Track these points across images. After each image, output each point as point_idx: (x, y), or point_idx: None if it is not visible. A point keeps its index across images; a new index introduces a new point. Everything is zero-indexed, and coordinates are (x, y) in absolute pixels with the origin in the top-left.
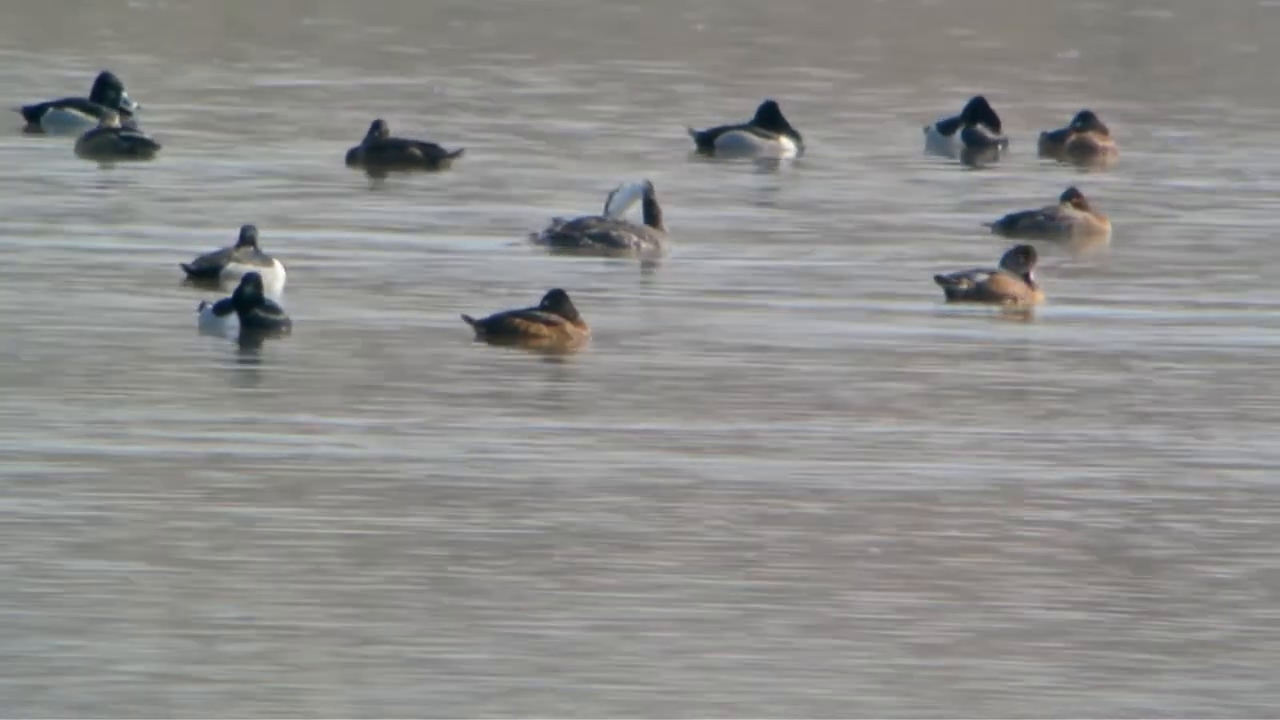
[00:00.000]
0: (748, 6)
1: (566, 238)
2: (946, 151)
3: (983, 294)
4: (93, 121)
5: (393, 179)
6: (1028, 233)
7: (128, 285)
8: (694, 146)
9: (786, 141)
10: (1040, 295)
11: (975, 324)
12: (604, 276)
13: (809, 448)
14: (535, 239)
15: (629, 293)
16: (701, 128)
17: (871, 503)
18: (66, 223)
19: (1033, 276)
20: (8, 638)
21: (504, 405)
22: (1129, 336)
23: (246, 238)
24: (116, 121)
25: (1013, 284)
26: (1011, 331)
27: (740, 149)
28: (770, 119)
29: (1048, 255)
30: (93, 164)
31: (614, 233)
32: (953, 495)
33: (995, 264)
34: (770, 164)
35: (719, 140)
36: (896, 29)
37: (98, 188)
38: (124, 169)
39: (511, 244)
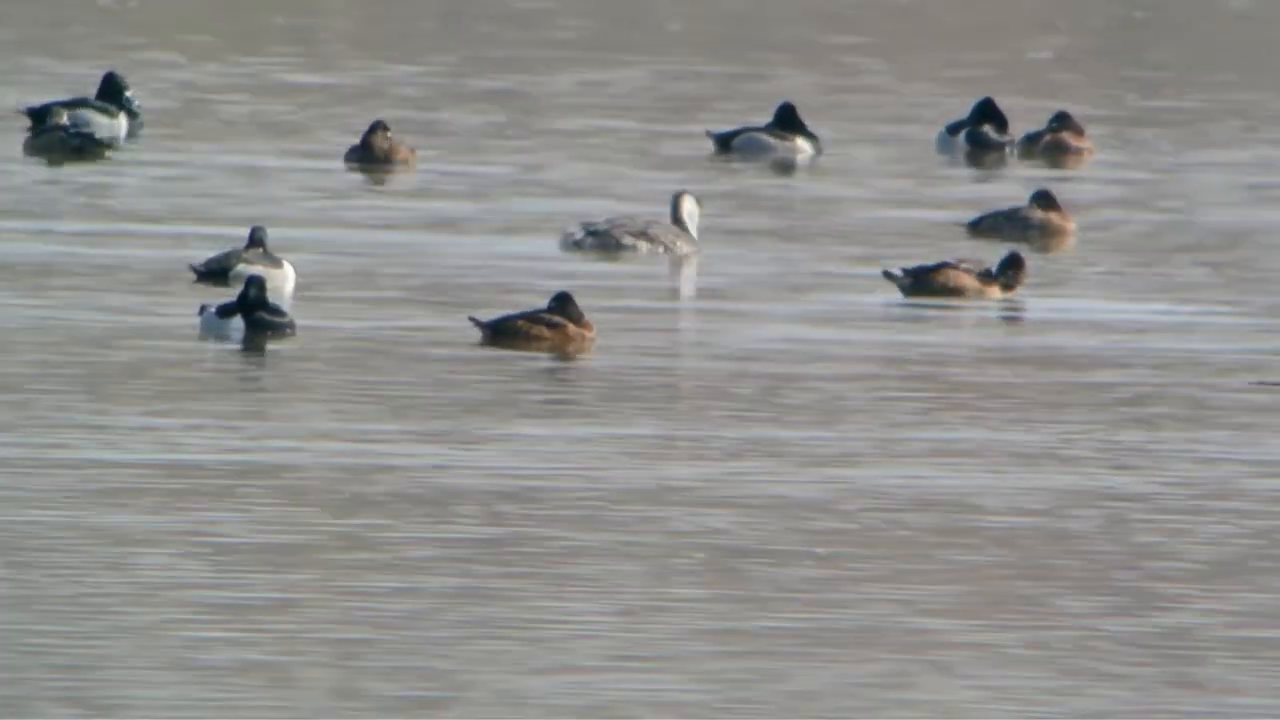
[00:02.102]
0: (719, 7)
1: (605, 237)
2: (952, 153)
3: (931, 288)
4: (104, 122)
5: (385, 178)
6: (991, 232)
7: (127, 286)
8: (713, 148)
9: (803, 143)
10: (995, 290)
11: (925, 325)
12: (627, 276)
13: (780, 454)
14: (571, 240)
15: (649, 293)
16: (719, 129)
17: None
18: (49, 223)
19: (992, 272)
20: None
21: (495, 409)
22: (1074, 338)
23: (256, 239)
24: (65, 119)
25: (960, 277)
26: (952, 332)
27: (757, 150)
28: (788, 120)
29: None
30: (43, 163)
31: (651, 230)
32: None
33: (951, 258)
34: (785, 165)
35: (736, 142)
36: (873, 28)
37: (79, 188)
38: (119, 167)
39: (573, 240)
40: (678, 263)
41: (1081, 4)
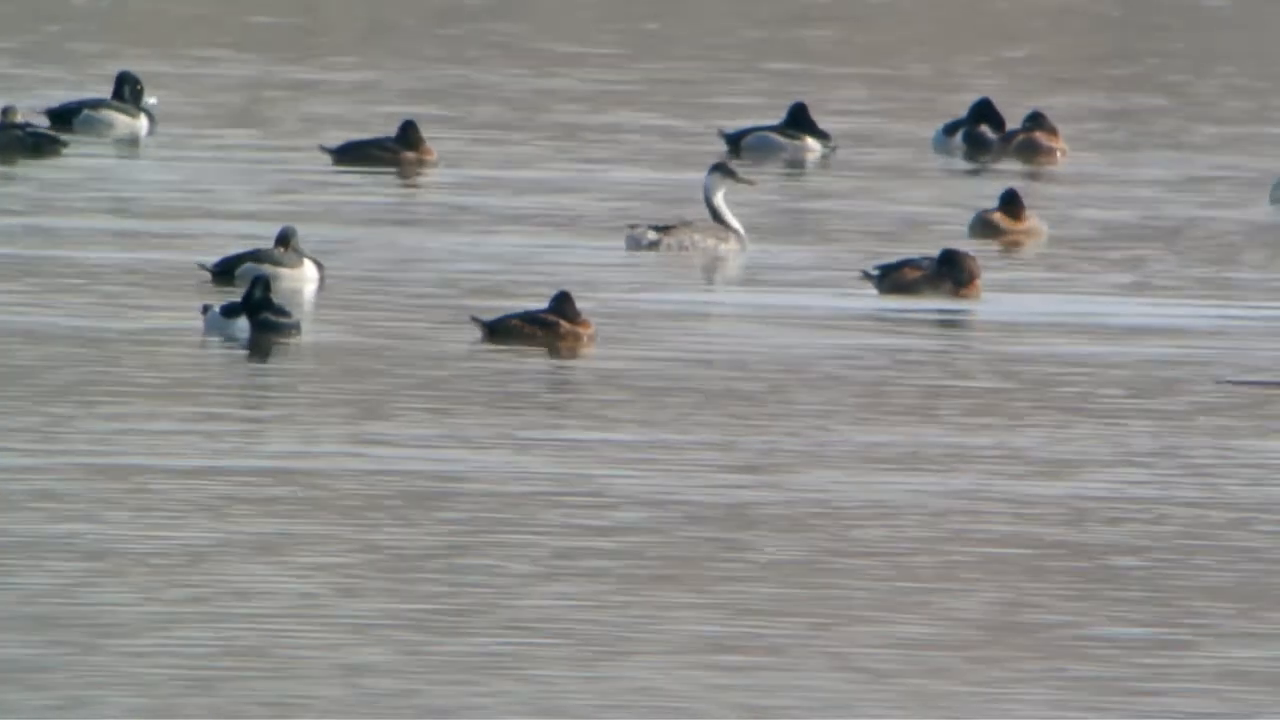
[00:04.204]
0: (702, 6)
1: (677, 236)
2: (949, 153)
3: (891, 286)
4: (125, 121)
5: (417, 177)
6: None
7: (133, 287)
8: (725, 147)
9: (812, 142)
10: (947, 288)
11: (883, 326)
12: (650, 276)
13: (746, 460)
14: (644, 240)
15: (660, 292)
16: (730, 128)
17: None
18: (58, 221)
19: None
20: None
21: (480, 410)
22: (1022, 339)
23: (283, 237)
24: (19, 118)
25: (912, 276)
26: (897, 335)
27: (767, 149)
28: (799, 120)
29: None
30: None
31: (715, 227)
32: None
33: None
34: (795, 165)
35: (746, 141)
36: (852, 29)
37: (87, 186)
38: (117, 166)
39: (646, 241)
40: (720, 261)
41: (1059, 3)
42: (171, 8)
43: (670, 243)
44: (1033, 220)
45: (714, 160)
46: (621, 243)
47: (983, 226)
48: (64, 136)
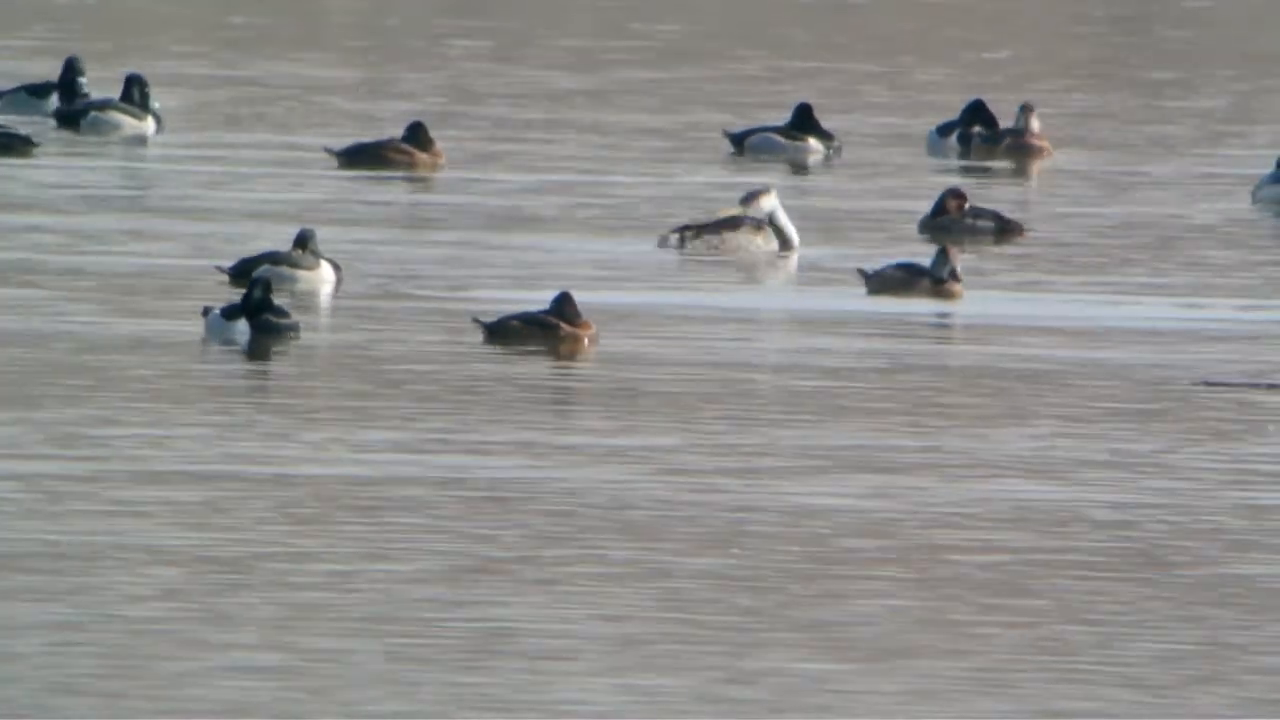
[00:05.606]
0: (702, 9)
1: (708, 237)
2: (943, 154)
3: (878, 286)
4: (132, 123)
5: (427, 178)
6: (930, 233)
7: (135, 289)
8: (730, 148)
9: (815, 143)
10: (925, 286)
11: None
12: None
13: (734, 465)
14: (666, 243)
15: (665, 292)
16: (734, 128)
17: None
18: (71, 221)
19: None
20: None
21: (474, 411)
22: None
23: (301, 239)
24: None
25: (896, 275)
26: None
27: (770, 150)
28: (803, 121)
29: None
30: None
31: (746, 225)
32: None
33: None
34: (797, 165)
35: (749, 141)
36: (836, 28)
37: (92, 186)
38: (121, 165)
39: (674, 242)
40: (748, 260)
41: (1041, 3)
42: (161, 7)
43: (697, 244)
44: (979, 220)
45: (721, 160)
46: (631, 244)
47: (930, 229)
48: (36, 139)
